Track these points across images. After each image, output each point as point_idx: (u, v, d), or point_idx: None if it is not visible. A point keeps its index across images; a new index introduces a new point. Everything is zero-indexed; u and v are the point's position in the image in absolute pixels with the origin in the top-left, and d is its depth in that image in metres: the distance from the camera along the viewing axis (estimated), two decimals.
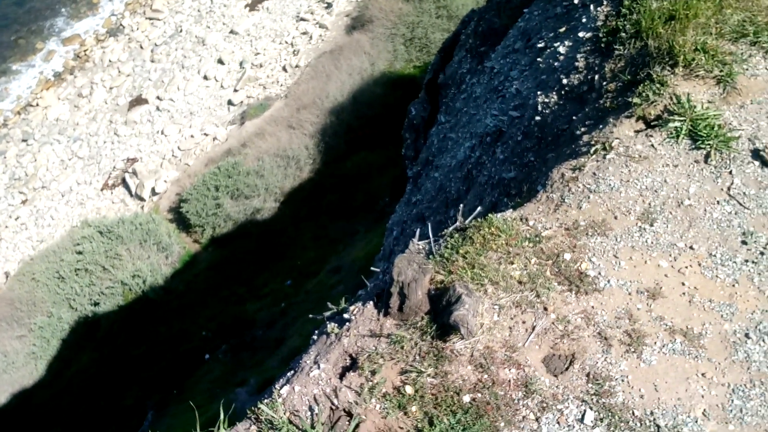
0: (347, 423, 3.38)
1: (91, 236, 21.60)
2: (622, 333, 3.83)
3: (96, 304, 20.79)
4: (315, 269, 19.67)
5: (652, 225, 4.34)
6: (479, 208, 4.49)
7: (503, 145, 6.08)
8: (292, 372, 3.77)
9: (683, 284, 4.04)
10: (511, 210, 4.70)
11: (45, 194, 27.60)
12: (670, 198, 4.45)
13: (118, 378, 18.47)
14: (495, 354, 3.72)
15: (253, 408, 3.57)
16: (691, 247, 4.19)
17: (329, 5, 31.01)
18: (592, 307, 3.95)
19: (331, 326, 3.91)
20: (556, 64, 5.83)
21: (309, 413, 3.47)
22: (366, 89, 24.41)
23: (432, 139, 8.76)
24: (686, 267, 4.11)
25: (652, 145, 4.69)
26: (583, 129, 5.08)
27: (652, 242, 4.26)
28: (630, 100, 4.87)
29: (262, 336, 17.66)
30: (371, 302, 3.96)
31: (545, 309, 3.92)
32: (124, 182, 26.76)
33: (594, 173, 4.66)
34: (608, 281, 4.07)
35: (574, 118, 5.33)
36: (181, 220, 23.69)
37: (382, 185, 21.17)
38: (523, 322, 3.88)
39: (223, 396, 15.02)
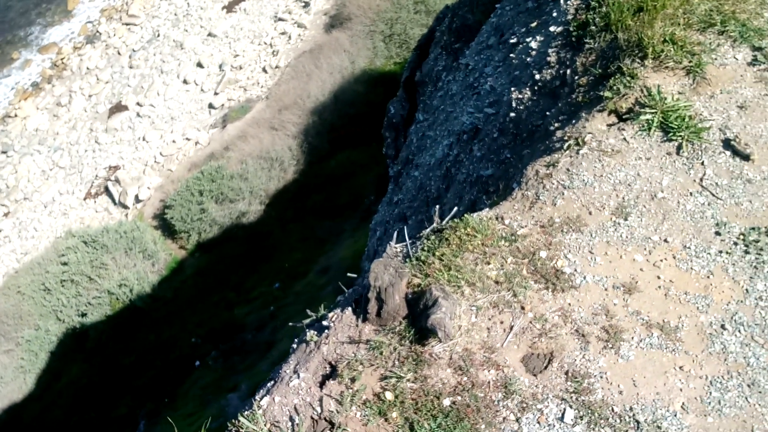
0: None
1: (76, 246, 21.40)
2: (599, 329, 3.84)
3: (83, 314, 20.61)
4: (303, 270, 19.62)
5: (626, 219, 4.36)
6: (455, 209, 4.48)
7: (480, 143, 6.08)
8: (273, 382, 3.75)
9: (659, 278, 4.06)
10: (487, 209, 4.70)
11: (27, 206, 27.30)
12: (644, 191, 4.47)
13: (109, 388, 18.35)
14: (474, 356, 3.73)
15: (233, 420, 3.55)
16: (665, 240, 4.21)
17: (307, 4, 30.88)
18: (569, 304, 3.96)
19: (310, 334, 3.90)
20: (528, 59, 5.84)
21: (290, 424, 3.46)
22: (347, 88, 24.34)
23: (411, 138, 8.75)
24: (661, 260, 4.13)
25: (625, 139, 4.71)
26: (556, 124, 5.09)
27: (626, 236, 4.28)
28: (602, 93, 4.88)
29: (253, 340, 17.60)
30: (350, 308, 3.95)
31: (522, 308, 3.93)
32: (107, 190, 26.53)
33: (568, 169, 4.67)
34: (584, 278, 4.08)
35: (547, 113, 5.34)
36: (166, 226, 23.53)
37: (366, 183, 21.14)
38: (501, 323, 3.88)
39: (215, 402, 14.98)
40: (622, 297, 4.00)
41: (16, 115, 30.93)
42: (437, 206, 4.73)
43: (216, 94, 28.33)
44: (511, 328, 3.86)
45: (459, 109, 6.98)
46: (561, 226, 4.40)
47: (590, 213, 4.47)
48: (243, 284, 20.66)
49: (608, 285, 4.07)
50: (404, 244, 4.48)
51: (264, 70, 28.67)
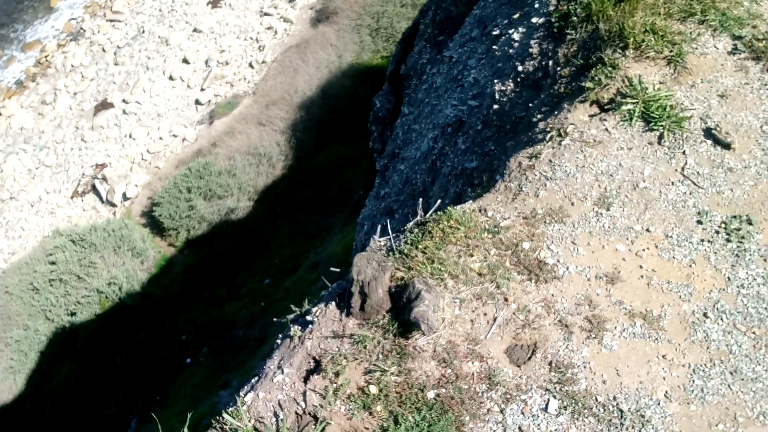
0: (313, 427, 3.36)
1: (64, 245, 21.25)
2: (582, 319, 3.85)
3: (73, 314, 20.50)
4: (293, 266, 19.60)
5: (608, 209, 4.37)
6: (439, 201, 4.47)
7: (464, 135, 6.07)
8: (257, 378, 3.74)
9: (641, 267, 4.08)
10: (470, 202, 4.70)
11: (14, 205, 27.05)
12: (626, 181, 4.48)
13: (99, 387, 18.28)
14: (458, 348, 3.73)
15: (218, 417, 3.53)
16: (647, 230, 4.23)
17: None
18: (552, 295, 3.97)
19: (294, 329, 3.88)
20: (511, 51, 5.83)
21: (274, 419, 3.45)
22: (335, 82, 24.27)
23: (397, 131, 8.73)
24: (643, 250, 4.15)
25: (606, 129, 4.71)
26: (539, 116, 5.09)
27: (609, 227, 4.29)
28: (583, 84, 4.89)
29: (243, 336, 17.57)
30: (333, 303, 3.94)
31: (506, 300, 3.94)
32: (94, 189, 26.33)
33: (550, 160, 4.67)
34: (567, 268, 4.09)
35: (530, 105, 5.34)
36: (154, 224, 23.42)
37: (355, 178, 21.12)
38: (485, 314, 3.89)
39: (207, 400, 14.96)
40: (605, 287, 4.02)
41: (0, 114, 30.62)
42: (421, 199, 4.73)
43: (202, 90, 28.16)
44: (495, 319, 3.86)
45: (443, 102, 6.97)
46: (544, 217, 4.41)
47: (572, 204, 4.48)
48: (233, 281, 20.63)
49: (591, 275, 4.08)
50: (388, 237, 4.47)
51: (250, 65, 28.52)
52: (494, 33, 6.34)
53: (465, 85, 6.52)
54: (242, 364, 15.77)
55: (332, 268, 4.37)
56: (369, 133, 13.35)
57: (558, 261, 4.13)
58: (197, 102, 27.92)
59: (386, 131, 9.75)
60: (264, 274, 20.53)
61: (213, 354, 16.59)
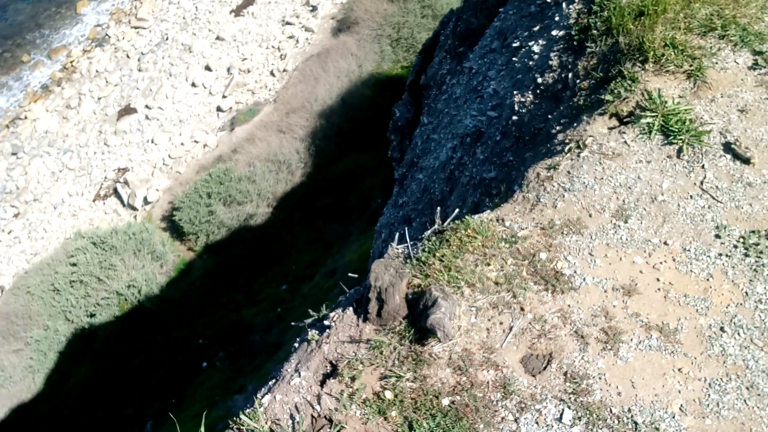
0: (329, 430, 3.41)
1: (85, 248, 21.58)
2: (598, 331, 3.87)
3: (92, 315, 20.77)
4: (310, 273, 19.69)
5: (626, 222, 4.38)
6: (457, 210, 4.52)
7: (483, 146, 6.12)
8: (274, 381, 3.80)
9: (658, 280, 4.09)
10: (488, 211, 4.74)
11: (37, 207, 27.52)
12: (644, 194, 4.49)
13: (117, 388, 18.47)
14: (473, 356, 3.76)
15: (234, 418, 3.60)
16: (665, 243, 4.23)
17: (314, 8, 31.04)
18: (569, 305, 3.99)
19: (311, 333, 3.95)
20: (531, 63, 5.87)
21: (290, 421, 3.51)
22: (355, 91, 24.44)
23: (416, 141, 8.80)
24: (661, 262, 4.16)
25: (626, 142, 4.73)
26: (558, 127, 5.12)
27: (626, 239, 4.31)
28: (603, 97, 4.92)
29: (260, 341, 17.68)
30: (351, 308, 4.00)
31: (522, 309, 3.96)
32: (116, 192, 26.73)
33: (568, 172, 4.70)
34: (584, 279, 4.11)
35: (549, 116, 5.37)
36: (174, 228, 23.69)
37: (374, 186, 21.20)
38: (501, 323, 3.92)
39: (222, 403, 15.05)
40: (622, 299, 4.03)
41: (26, 117, 31.22)
42: (439, 208, 4.78)
43: (224, 97, 28.50)
44: (511, 328, 3.89)
45: (462, 113, 7.02)
46: (561, 228, 4.43)
47: (590, 215, 4.50)
48: (251, 286, 20.77)
49: (608, 287, 4.09)
50: (405, 245, 4.52)
51: (272, 73, 28.82)
52: (514, 45, 6.39)
53: (484, 96, 6.57)
54: (258, 369, 15.86)
55: (350, 274, 4.44)
56: (388, 142, 13.45)
57: (575, 272, 4.15)
58: (219, 109, 28.27)
59: (405, 140, 9.82)
60: (281, 280, 20.65)
61: (229, 358, 16.70)
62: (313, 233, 22.17)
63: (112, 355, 19.71)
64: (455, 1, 23.16)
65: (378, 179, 20.92)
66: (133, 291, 20.87)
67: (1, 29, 35.22)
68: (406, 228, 4.48)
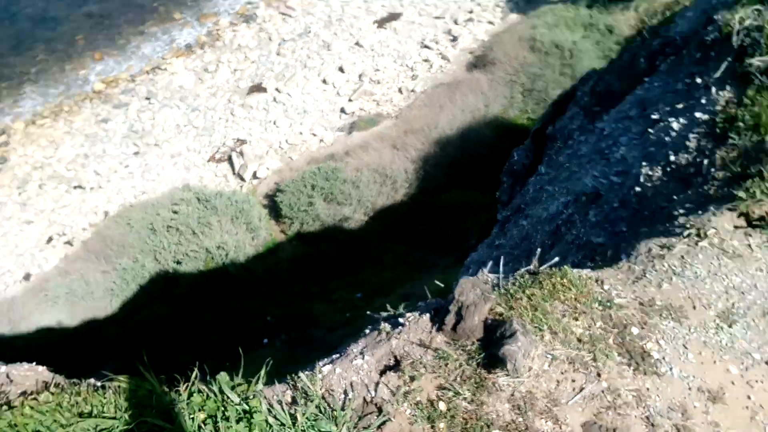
0: (375, 417, 3.47)
1: (189, 200, 22.83)
2: (671, 425, 3.69)
3: (179, 262, 21.85)
4: (387, 290, 19.79)
5: (730, 326, 4.17)
6: (557, 259, 4.48)
7: (597, 209, 6.01)
8: (338, 355, 3.91)
9: (749, 397, 3.85)
10: (588, 270, 4.66)
11: (156, 152, 29.43)
12: (757, 304, 4.27)
13: (181, 335, 19.24)
14: (536, 401, 3.70)
15: (292, 375, 3.73)
16: (767, 363, 4.00)
17: (455, 38, 31.56)
18: (647, 389, 3.83)
19: (384, 325, 4.03)
20: (667, 138, 5.74)
21: (343, 396, 3.59)
22: (476, 128, 24.53)
23: (528, 188, 8.75)
24: (757, 381, 3.92)
25: (750, 245, 4.52)
26: (681, 210, 4.97)
27: (726, 344, 4.10)
28: (736, 193, 4.73)
29: (321, 338, 17.94)
30: (428, 315, 4.05)
31: (598, 375, 3.85)
32: (229, 159, 28.14)
33: (682, 257, 4.55)
34: (671, 369, 3.94)
35: (674, 197, 5.22)
36: (273, 208, 24.59)
37: (473, 226, 21.09)
38: (573, 381, 3.83)
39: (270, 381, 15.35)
40: (705, 402, 3.83)
41: (165, 69, 33.60)
42: (539, 250, 4.76)
43: (350, 100, 29.41)
44: (582, 389, 3.79)
45: (584, 171, 6.93)
46: (661, 310, 4.28)
47: (694, 307, 4.32)
48: (328, 284, 21.16)
49: (693, 385, 3.90)
50: (497, 275, 4.53)
51: (400, 90, 29.48)
52: (653, 117, 6.26)
53: (611, 159, 6.47)
54: (310, 363, 16.08)
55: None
56: (497, 184, 13.42)
57: (663, 358, 3.99)
58: (342, 110, 29.20)
59: (517, 185, 9.78)
60: (358, 287, 20.88)
61: (289, 343, 17.04)
62: (401, 254, 22.30)
63: (187, 303, 20.60)
64: (596, 65, 22.85)
65: (478, 220, 20.81)
66: (221, 252, 21.81)
67: None
68: (501, 256, 4.49)
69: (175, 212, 22.79)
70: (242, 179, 27.03)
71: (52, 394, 3.56)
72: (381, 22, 34.04)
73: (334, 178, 23.82)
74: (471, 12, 33.51)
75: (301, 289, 20.70)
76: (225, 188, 26.08)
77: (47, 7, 37.94)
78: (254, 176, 26.93)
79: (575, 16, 28.77)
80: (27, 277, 24.74)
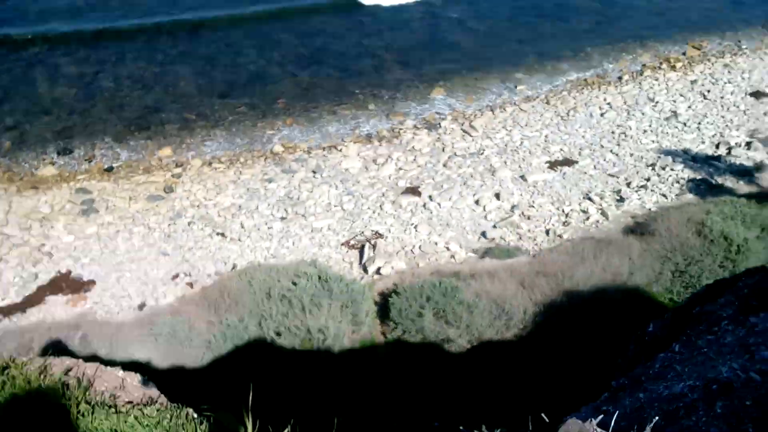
0: None
1: (311, 275, 23.50)
2: None
3: (279, 334, 22.19)
4: (464, 426, 18.80)
5: None
6: None
7: (726, 401, 5.45)
8: None
9: None
10: None
11: (301, 222, 30.96)
12: None
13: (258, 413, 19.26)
14: None
15: None
16: None
17: (621, 200, 30.91)
18: None
19: None
20: None
21: None
22: (611, 290, 23.44)
23: (656, 363, 8.17)
24: None
25: None
26: None
27: None
28: None
29: None
30: None
31: None
32: (361, 249, 28.93)
33: None
34: None
35: None
36: (383, 307, 24.61)
37: (573, 385, 19.76)
38: None
39: None
40: None
41: (340, 150, 36.14)
42: (650, 425, 4.38)
43: (494, 227, 29.47)
44: None
45: (722, 360, 6.37)
46: None
47: None
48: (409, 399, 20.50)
49: None
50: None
51: (547, 232, 29.14)
52: None
53: (755, 357, 5.91)
54: None
55: None
56: (616, 348, 12.59)
57: None
58: (483, 234, 29.30)
59: (642, 355, 9.17)
60: (437, 416, 20.02)
61: None
62: (489, 397, 21.23)
63: (271, 379, 20.69)
64: (760, 262, 21.28)
65: (582, 381, 19.48)
66: (320, 336, 21.96)
67: (389, 77, 41.84)
68: (615, 414, 4.17)
69: (294, 283, 23.51)
70: (365, 271, 27.61)
71: (158, 410, 3.72)
72: (553, 164, 34.40)
73: (451, 297, 23.58)
74: (647, 180, 32.87)
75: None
76: (347, 275, 26.66)
77: (267, 66, 43.05)
78: (377, 271, 27.42)
79: (756, 215, 27.20)
80: (141, 306, 26.17)
